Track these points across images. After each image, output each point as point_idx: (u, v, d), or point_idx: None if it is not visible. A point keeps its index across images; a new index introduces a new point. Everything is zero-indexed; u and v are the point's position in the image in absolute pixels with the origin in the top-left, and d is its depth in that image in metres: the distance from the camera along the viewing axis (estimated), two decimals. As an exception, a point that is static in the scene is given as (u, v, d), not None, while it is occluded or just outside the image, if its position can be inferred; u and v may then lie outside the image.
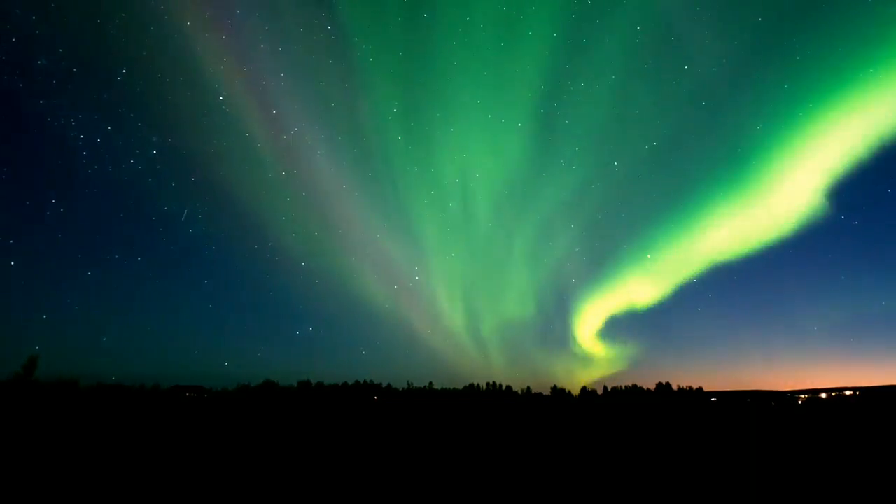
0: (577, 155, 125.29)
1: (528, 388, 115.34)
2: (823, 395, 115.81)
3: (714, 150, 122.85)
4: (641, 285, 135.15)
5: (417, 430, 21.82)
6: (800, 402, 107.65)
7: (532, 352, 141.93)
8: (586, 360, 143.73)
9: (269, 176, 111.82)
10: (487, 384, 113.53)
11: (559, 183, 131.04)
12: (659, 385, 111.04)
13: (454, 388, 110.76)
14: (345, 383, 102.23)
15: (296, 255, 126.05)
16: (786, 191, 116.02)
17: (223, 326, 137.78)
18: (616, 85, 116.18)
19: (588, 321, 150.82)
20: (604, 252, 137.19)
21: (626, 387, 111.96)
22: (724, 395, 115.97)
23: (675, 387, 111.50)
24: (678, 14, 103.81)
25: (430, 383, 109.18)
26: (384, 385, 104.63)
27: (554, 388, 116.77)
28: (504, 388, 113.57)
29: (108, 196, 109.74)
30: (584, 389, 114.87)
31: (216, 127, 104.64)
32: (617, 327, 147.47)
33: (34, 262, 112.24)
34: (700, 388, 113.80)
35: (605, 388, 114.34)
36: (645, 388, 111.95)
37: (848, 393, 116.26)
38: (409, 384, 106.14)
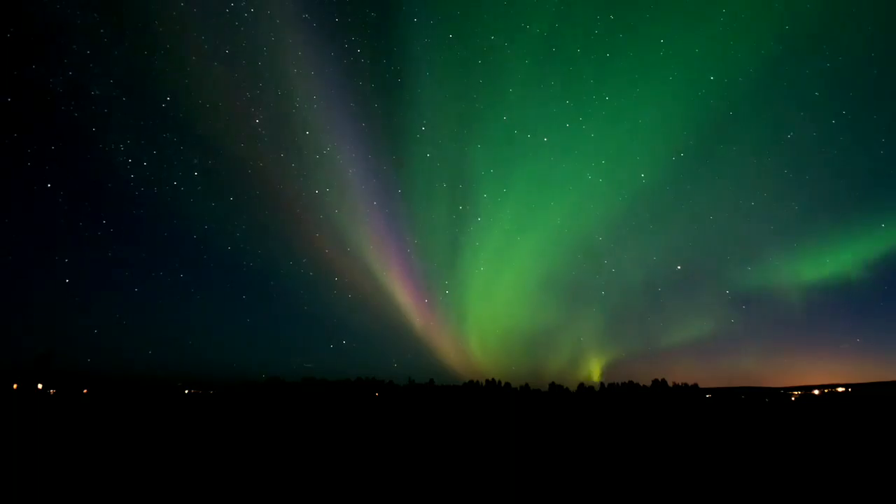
0: (603, 168, 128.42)
1: (527, 384, 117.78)
2: (816, 392, 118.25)
3: (742, 159, 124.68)
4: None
5: (418, 425, 23.59)
6: (793, 398, 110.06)
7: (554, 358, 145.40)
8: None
9: (303, 194, 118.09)
10: (487, 381, 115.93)
11: (586, 196, 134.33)
12: (655, 381, 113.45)
13: (454, 385, 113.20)
14: (347, 379, 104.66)
15: (329, 270, 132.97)
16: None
17: (261, 339, 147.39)
18: (641, 97, 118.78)
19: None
20: (632, 263, 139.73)
21: (622, 383, 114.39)
22: (718, 392, 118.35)
23: (670, 383, 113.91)
24: (702, 25, 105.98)
25: (432, 380, 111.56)
26: (386, 381, 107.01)
27: (552, 385, 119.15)
28: (503, 384, 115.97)
29: (153, 217, 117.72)
30: (581, 385, 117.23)
31: (253, 149, 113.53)
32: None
33: (86, 279, 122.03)
34: (695, 385, 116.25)
35: (601, 384, 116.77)
36: (641, 384, 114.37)
37: (840, 390, 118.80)
38: (410, 380, 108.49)
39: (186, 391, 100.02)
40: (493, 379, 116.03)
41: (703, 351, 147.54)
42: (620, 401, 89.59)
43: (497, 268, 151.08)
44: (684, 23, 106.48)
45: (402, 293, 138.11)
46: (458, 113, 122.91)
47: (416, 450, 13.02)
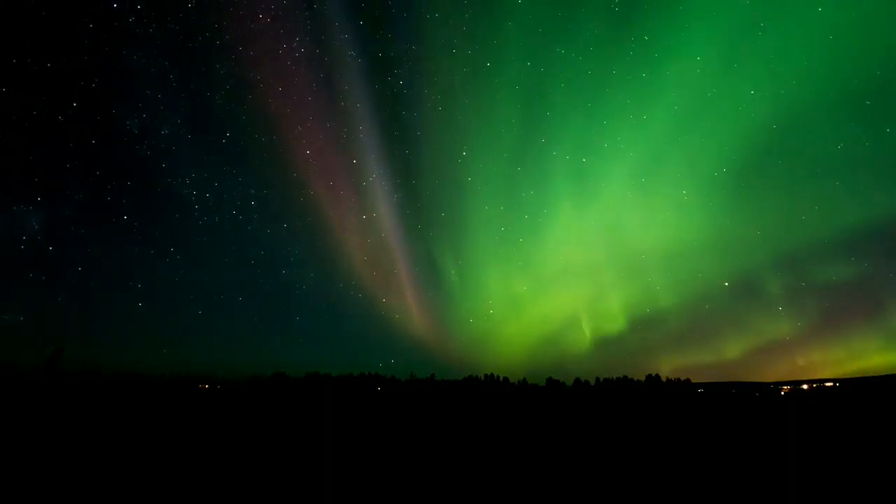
0: (642, 186, 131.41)
1: (524, 379, 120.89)
2: (805, 387, 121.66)
3: (789, 172, 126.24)
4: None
5: (419, 419, 25.71)
6: (783, 393, 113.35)
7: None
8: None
9: (351, 220, 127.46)
10: (485, 375, 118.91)
11: (628, 213, 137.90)
12: (649, 376, 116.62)
13: (454, 379, 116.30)
14: (350, 374, 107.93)
15: (376, 292, 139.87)
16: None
17: (313, 360, 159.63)
18: (678, 114, 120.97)
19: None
20: (677, 279, 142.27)
21: (617, 378, 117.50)
22: (710, 386, 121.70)
23: (664, 378, 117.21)
24: (738, 40, 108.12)
25: (433, 374, 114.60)
26: (388, 377, 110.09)
27: (549, 380, 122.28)
28: (501, 379, 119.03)
29: (214, 244, 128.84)
30: (577, 380, 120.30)
31: (304, 178, 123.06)
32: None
33: (157, 303, 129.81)
34: (688, 380, 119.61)
35: (597, 379, 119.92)
36: (635, 379, 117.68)
37: (828, 384, 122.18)
38: (411, 375, 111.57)
39: (199, 385, 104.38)
40: (491, 374, 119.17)
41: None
42: (615, 395, 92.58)
43: (537, 289, 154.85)
44: (719, 38, 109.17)
45: (446, 312, 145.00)
46: (498, 138, 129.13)
47: (416, 441, 14.48)
